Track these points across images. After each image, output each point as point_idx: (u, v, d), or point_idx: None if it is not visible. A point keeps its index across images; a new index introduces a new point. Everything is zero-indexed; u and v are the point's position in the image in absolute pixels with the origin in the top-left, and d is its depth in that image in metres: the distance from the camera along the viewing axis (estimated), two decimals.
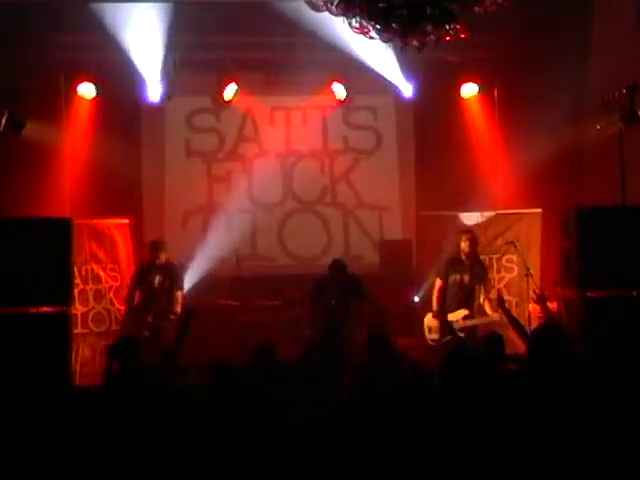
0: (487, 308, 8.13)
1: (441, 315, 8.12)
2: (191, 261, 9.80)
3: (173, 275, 8.53)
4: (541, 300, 7.22)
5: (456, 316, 8.08)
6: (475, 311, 8.15)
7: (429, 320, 8.18)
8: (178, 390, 4.38)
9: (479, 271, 8.22)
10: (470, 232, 8.35)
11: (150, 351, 8.26)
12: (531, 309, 8.71)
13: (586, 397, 4.26)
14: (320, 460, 3.84)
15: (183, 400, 4.16)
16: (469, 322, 8.05)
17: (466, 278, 8.12)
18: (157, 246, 8.55)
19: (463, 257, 8.17)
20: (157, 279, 8.41)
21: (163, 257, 8.49)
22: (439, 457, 3.88)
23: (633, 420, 4.09)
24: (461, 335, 8.00)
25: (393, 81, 10.36)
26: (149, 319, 8.26)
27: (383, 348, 6.00)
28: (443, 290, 8.19)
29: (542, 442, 3.96)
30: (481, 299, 8.18)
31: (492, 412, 4.22)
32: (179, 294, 8.50)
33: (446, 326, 8.06)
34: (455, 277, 8.15)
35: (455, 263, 8.22)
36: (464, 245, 8.15)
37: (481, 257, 8.85)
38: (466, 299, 8.13)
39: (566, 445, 3.95)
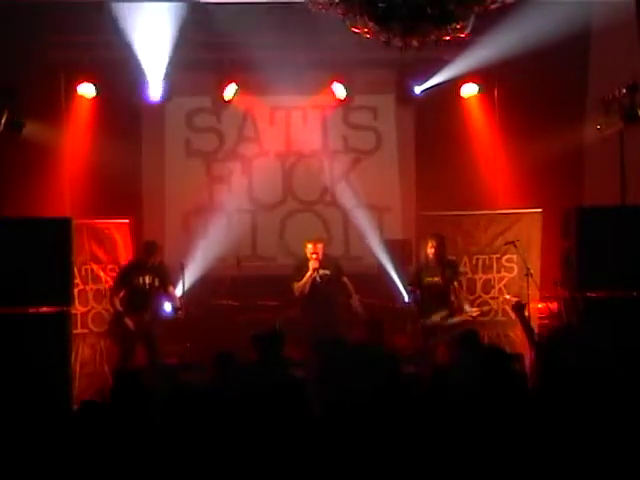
0: (464, 305, 8.29)
1: (420, 319, 8.24)
2: (191, 261, 9.80)
3: (163, 274, 8.54)
4: (518, 309, 7.14)
5: (435, 318, 8.17)
6: (453, 310, 8.27)
7: (410, 327, 8.28)
8: None
9: (450, 272, 8.34)
10: (436, 236, 8.45)
11: (141, 352, 8.33)
12: (531, 309, 8.73)
13: (586, 398, 4.26)
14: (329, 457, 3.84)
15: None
16: (450, 321, 8.17)
17: (438, 280, 8.27)
18: (152, 248, 8.54)
19: (431, 261, 8.31)
20: (147, 279, 8.38)
21: (156, 259, 8.50)
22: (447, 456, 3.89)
23: (634, 421, 4.09)
24: (443, 335, 8.10)
25: (395, 81, 10.39)
26: (139, 320, 8.27)
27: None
28: (417, 296, 8.35)
29: (543, 443, 3.96)
30: (457, 297, 8.31)
31: (493, 412, 4.22)
32: (171, 289, 8.57)
33: (427, 330, 8.16)
34: (428, 281, 8.31)
35: (425, 267, 8.40)
36: (430, 251, 8.32)
37: (479, 257, 8.97)
38: (442, 300, 8.27)
39: (566, 446, 3.95)
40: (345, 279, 8.73)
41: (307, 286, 8.55)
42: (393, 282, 9.77)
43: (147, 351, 8.34)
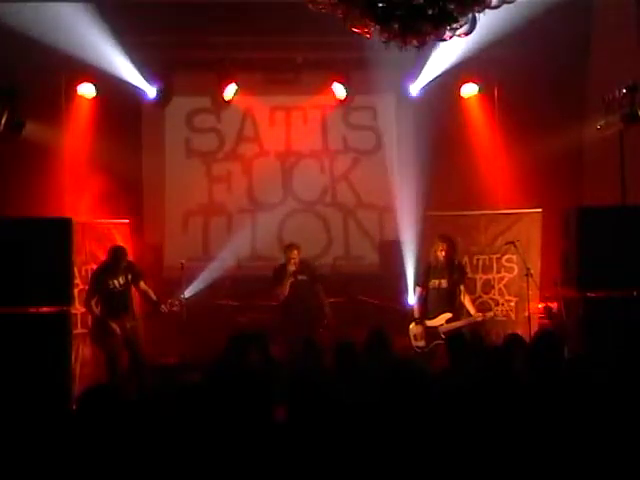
0: (470, 309, 8.29)
1: (424, 321, 8.27)
2: (192, 262, 9.79)
3: (133, 270, 8.39)
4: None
5: (440, 320, 8.19)
6: (458, 313, 8.29)
7: (413, 327, 8.33)
8: None
9: (457, 275, 8.39)
10: (446, 239, 8.47)
11: (126, 352, 8.26)
12: (531, 309, 8.74)
13: (586, 397, 4.26)
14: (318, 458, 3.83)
15: None
16: (453, 325, 8.19)
17: (444, 283, 8.31)
18: (120, 253, 8.30)
19: (440, 264, 8.33)
20: (120, 280, 8.21)
21: (126, 260, 8.37)
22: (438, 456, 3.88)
23: (634, 421, 4.09)
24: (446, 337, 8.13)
25: (395, 81, 10.39)
26: (122, 323, 8.16)
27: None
28: (423, 297, 8.40)
29: (542, 443, 3.96)
30: (463, 301, 8.34)
31: (493, 411, 4.22)
32: (142, 284, 8.39)
33: (431, 332, 8.19)
34: (434, 283, 8.35)
35: (433, 269, 8.42)
36: (440, 254, 8.35)
37: (479, 257, 9.00)
38: (447, 303, 8.30)
39: (566, 446, 3.95)
40: (319, 286, 8.76)
41: (286, 290, 8.57)
42: (393, 282, 9.78)
43: (130, 354, 8.23)
